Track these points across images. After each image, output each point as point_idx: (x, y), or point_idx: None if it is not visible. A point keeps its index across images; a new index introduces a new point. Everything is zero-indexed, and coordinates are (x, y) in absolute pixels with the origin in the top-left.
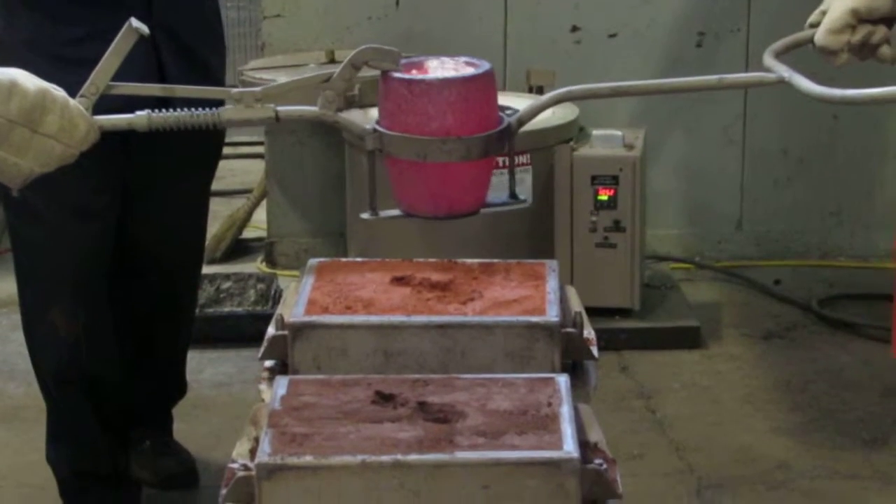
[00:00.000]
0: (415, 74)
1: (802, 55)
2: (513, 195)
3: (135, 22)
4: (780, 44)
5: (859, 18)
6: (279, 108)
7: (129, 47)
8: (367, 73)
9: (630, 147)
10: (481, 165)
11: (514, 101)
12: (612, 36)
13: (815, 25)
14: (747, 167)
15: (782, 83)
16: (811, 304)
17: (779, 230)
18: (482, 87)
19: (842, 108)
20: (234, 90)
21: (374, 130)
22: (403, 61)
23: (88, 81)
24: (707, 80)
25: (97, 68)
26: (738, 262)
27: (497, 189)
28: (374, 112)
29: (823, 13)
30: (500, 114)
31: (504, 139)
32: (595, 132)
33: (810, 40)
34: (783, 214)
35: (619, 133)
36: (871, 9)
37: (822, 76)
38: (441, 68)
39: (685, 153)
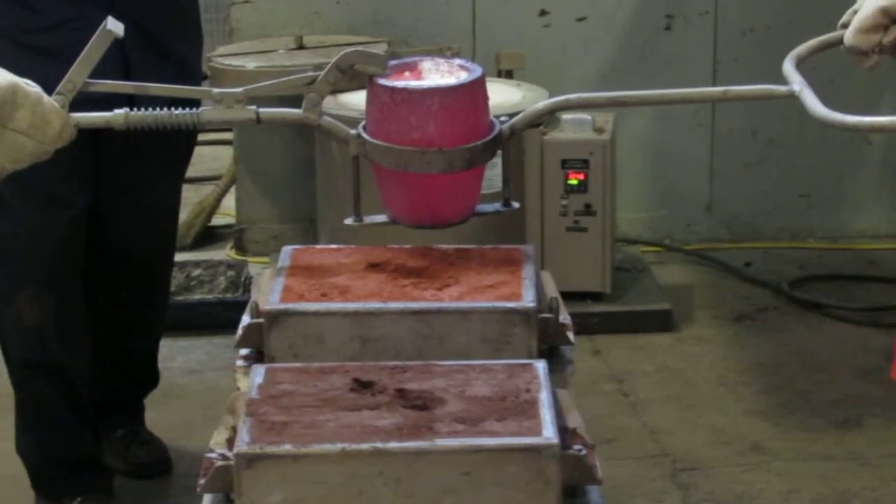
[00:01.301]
0: (400, 81)
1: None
2: (506, 202)
3: (110, 23)
4: (805, 47)
5: (892, 18)
6: (260, 110)
7: (106, 47)
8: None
9: (600, 131)
10: (467, 176)
11: None
12: (581, 19)
13: (847, 26)
14: (717, 150)
15: (794, 100)
16: (782, 285)
17: (749, 212)
18: (468, 97)
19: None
20: (215, 91)
21: (358, 136)
22: (397, 61)
23: (65, 79)
24: (710, 91)
25: (74, 66)
26: (709, 244)
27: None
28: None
29: (855, 13)
30: (493, 119)
31: (492, 149)
32: (565, 116)
33: (840, 42)
34: (753, 197)
35: (588, 117)
36: None
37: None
38: (434, 70)
39: (655, 136)
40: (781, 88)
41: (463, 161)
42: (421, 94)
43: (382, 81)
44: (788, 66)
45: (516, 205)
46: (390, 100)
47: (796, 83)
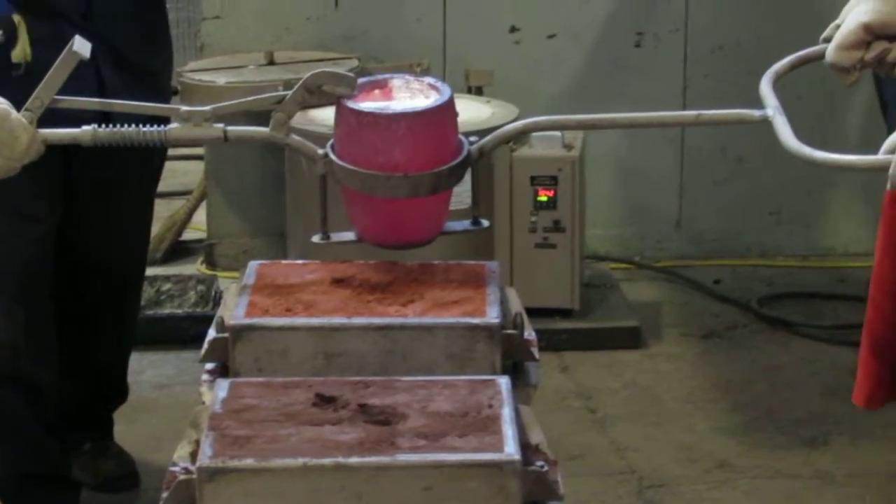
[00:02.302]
0: (370, 99)
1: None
2: (475, 221)
3: (77, 43)
4: (784, 63)
5: (874, 34)
6: (228, 129)
7: (73, 67)
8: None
9: (569, 147)
10: (434, 199)
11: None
12: (551, 37)
13: (829, 40)
14: (686, 166)
15: (765, 121)
16: (751, 303)
17: (718, 229)
18: (435, 121)
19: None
20: (183, 108)
21: (325, 155)
22: (367, 79)
23: (33, 95)
24: (683, 115)
25: (42, 84)
26: (678, 261)
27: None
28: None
29: (838, 27)
30: (462, 139)
31: (459, 173)
32: (534, 133)
33: (821, 56)
34: (722, 214)
35: (558, 134)
36: (886, 24)
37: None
38: (404, 88)
39: (624, 153)
40: (755, 114)
41: (428, 186)
42: (387, 119)
43: (349, 104)
44: (766, 87)
45: (486, 223)
46: (356, 122)
47: (770, 107)
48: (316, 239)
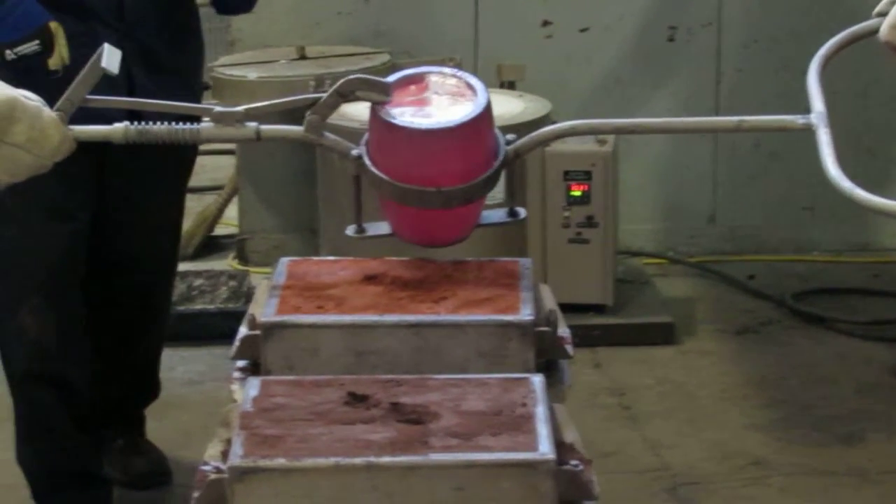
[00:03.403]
0: (402, 97)
1: None
2: (512, 212)
3: (105, 58)
4: (834, 43)
5: None
6: (262, 127)
7: (99, 77)
8: None
9: (602, 142)
10: (467, 207)
11: None
12: (584, 30)
13: (882, 15)
14: (720, 161)
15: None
16: (785, 298)
17: (752, 225)
18: (470, 135)
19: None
20: (216, 109)
21: (359, 157)
22: (403, 73)
23: (64, 97)
24: (724, 121)
25: (72, 86)
26: (712, 256)
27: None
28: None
29: (893, 2)
30: (498, 138)
31: (493, 180)
32: None
33: (873, 32)
34: (756, 209)
35: None
36: None
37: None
38: (441, 85)
39: (658, 148)
40: (798, 122)
41: (462, 198)
42: (421, 135)
43: (383, 115)
44: (813, 78)
45: (523, 213)
46: (389, 135)
47: (815, 113)
48: (350, 232)
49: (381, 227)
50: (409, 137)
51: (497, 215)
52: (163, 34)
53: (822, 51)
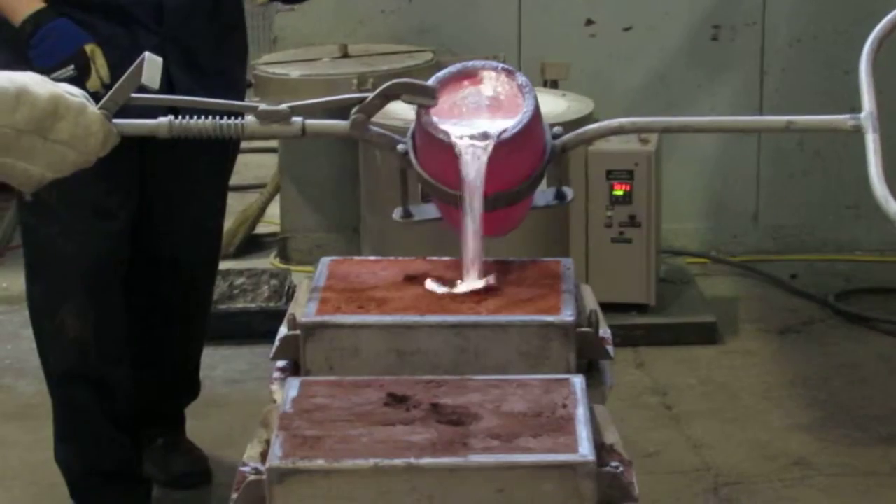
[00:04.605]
0: (452, 95)
1: None
2: (559, 194)
3: (146, 73)
4: (888, 21)
5: None
6: (307, 122)
7: (138, 84)
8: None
9: (645, 141)
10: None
11: None
12: (627, 29)
13: None
14: (763, 160)
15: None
16: (828, 298)
17: (795, 224)
18: (517, 146)
19: (858, 101)
20: (261, 107)
21: (405, 153)
22: (457, 68)
23: (107, 97)
24: (773, 121)
25: (113, 89)
26: (755, 256)
27: None
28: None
29: None
30: (546, 135)
31: (539, 178)
32: None
33: None
34: (799, 208)
35: None
36: None
37: None
38: (493, 81)
39: (701, 147)
40: (847, 123)
41: (506, 201)
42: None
43: (429, 127)
44: (865, 69)
45: (570, 194)
46: (435, 144)
47: (864, 113)
48: (396, 216)
49: (429, 211)
50: (452, 150)
51: (545, 198)
52: (206, 36)
53: (875, 32)
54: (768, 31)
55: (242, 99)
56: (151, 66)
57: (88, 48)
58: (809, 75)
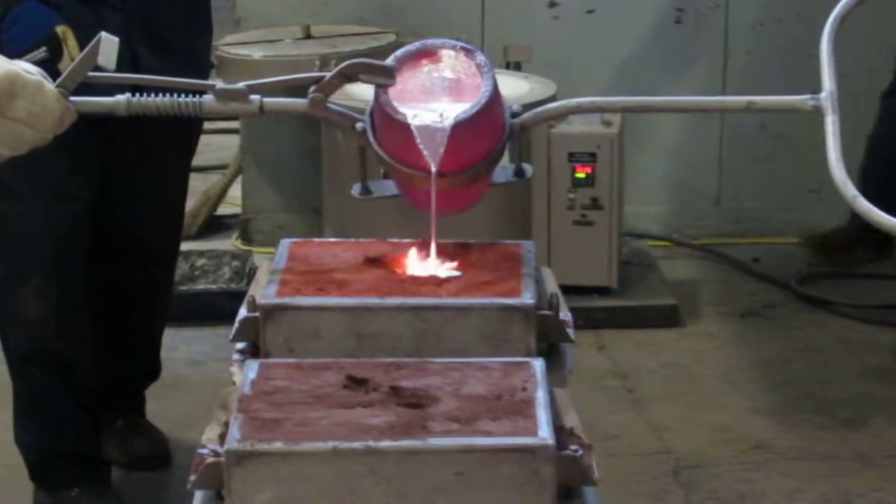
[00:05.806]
0: (411, 72)
1: None
2: (518, 171)
3: (102, 54)
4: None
5: None
6: (265, 100)
7: (94, 63)
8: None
9: (608, 124)
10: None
11: None
12: (590, 12)
13: None
14: (725, 143)
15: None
16: (790, 282)
17: (757, 207)
18: (475, 127)
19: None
20: (218, 86)
21: (363, 131)
22: (415, 46)
23: (64, 75)
24: (734, 101)
25: (72, 66)
26: (717, 239)
27: None
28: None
29: None
30: (505, 114)
31: (497, 158)
32: None
33: None
34: (762, 191)
35: None
36: None
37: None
38: (452, 60)
39: (663, 130)
40: (808, 103)
41: (466, 180)
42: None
43: (387, 107)
44: (826, 46)
45: (530, 171)
46: (392, 124)
47: (824, 92)
48: (355, 192)
49: (388, 187)
50: (410, 132)
51: (504, 174)
52: (170, 13)
53: (837, 9)
54: (732, 14)
55: (207, 77)
56: (108, 46)
57: (60, 30)
58: (773, 59)
